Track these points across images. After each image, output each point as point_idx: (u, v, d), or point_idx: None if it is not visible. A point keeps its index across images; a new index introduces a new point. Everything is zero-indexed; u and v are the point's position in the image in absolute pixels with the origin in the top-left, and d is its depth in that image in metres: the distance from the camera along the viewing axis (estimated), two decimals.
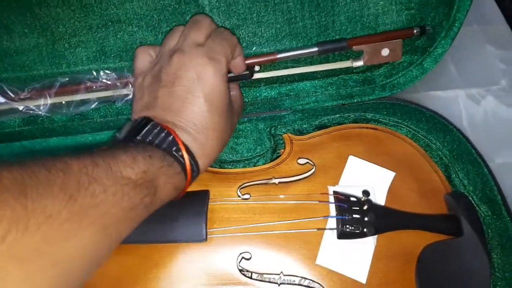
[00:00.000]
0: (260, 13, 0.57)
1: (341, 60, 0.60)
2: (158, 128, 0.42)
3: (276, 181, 0.54)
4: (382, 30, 0.58)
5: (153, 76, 0.48)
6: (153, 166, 0.39)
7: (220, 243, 0.50)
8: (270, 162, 0.57)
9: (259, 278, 0.49)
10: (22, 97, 0.59)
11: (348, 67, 0.60)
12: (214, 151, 0.46)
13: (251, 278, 0.49)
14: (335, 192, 0.52)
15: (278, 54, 0.56)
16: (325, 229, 0.50)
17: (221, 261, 0.50)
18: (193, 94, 0.45)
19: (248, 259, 0.50)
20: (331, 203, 0.51)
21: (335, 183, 0.54)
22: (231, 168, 0.58)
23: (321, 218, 0.50)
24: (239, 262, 0.49)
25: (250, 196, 0.53)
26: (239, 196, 0.53)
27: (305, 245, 0.50)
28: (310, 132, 0.60)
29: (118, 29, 0.57)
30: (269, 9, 0.57)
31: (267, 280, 0.49)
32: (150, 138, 0.42)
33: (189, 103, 0.45)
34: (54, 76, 0.60)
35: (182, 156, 0.42)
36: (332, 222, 0.50)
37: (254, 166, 0.59)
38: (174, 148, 0.42)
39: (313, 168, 0.55)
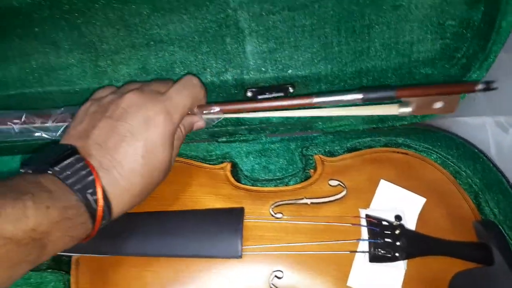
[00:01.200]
0: (298, 37, 0.59)
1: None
2: (80, 164, 0.40)
3: (308, 201, 0.55)
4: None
5: (101, 105, 0.47)
6: (48, 219, 0.35)
7: (254, 260, 0.51)
8: (302, 182, 0.59)
9: None
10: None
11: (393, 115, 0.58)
12: (133, 200, 0.44)
13: None
14: (367, 216, 0.53)
15: (315, 98, 0.50)
16: (356, 251, 0.51)
17: (254, 279, 0.51)
18: (134, 136, 0.43)
19: (280, 278, 0.51)
20: (364, 226, 0.52)
21: (367, 206, 0.55)
22: (263, 187, 0.59)
23: (354, 240, 0.52)
24: (271, 280, 0.51)
25: (283, 215, 0.54)
26: (272, 215, 0.54)
27: (337, 266, 0.51)
28: (341, 154, 0.61)
29: (159, 48, 0.60)
30: (306, 34, 0.58)
31: None
32: (68, 173, 0.39)
33: (125, 143, 0.42)
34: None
35: (95, 201, 0.39)
36: (364, 245, 0.51)
37: (286, 185, 0.60)
38: (89, 191, 0.39)
39: (344, 190, 0.56)
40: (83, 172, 0.40)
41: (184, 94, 0.48)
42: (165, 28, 0.58)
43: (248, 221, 0.54)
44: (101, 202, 0.40)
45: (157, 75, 0.61)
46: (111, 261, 0.52)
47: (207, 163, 0.62)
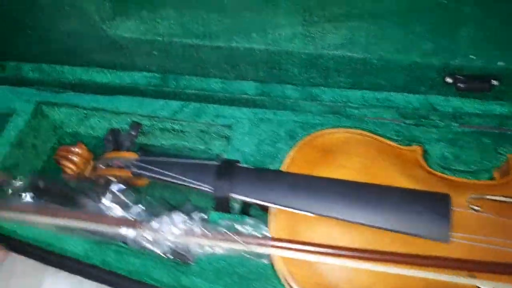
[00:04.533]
0: None
1: None
2: None
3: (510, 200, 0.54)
4: None
5: None
6: None
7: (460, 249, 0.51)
8: (498, 179, 0.58)
9: None
10: None
11: None
12: None
13: None
14: None
15: None
16: None
17: None
18: None
19: None
20: None
21: None
22: (455, 177, 0.59)
23: None
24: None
25: (481, 209, 0.54)
26: (470, 207, 0.54)
27: None
28: None
29: (372, 21, 0.59)
30: None
31: None
32: None
33: None
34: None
35: None
36: None
37: (477, 179, 0.59)
38: None
39: None
40: None
41: None
42: (381, 1, 0.57)
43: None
44: None
45: (362, 49, 0.62)
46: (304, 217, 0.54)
47: (394, 142, 0.62)
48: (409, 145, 0.62)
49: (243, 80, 0.69)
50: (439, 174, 0.58)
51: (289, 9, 0.60)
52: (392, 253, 0.52)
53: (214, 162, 0.60)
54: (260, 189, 0.57)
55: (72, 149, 0.67)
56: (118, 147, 0.68)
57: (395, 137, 0.63)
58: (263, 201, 0.56)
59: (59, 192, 0.64)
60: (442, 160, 0.61)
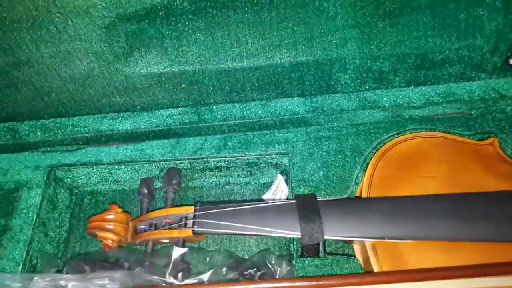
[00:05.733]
0: None
1: None
2: None
3: None
4: None
5: None
6: None
7: None
8: None
9: None
10: None
11: None
12: None
13: None
14: None
15: None
16: None
17: None
18: None
19: None
20: None
21: None
22: None
23: None
24: None
25: None
26: None
27: None
28: None
29: (430, 13, 0.54)
30: None
31: None
32: None
33: None
34: None
35: None
36: None
37: None
38: None
39: None
40: None
41: None
42: None
43: None
44: None
45: (421, 43, 0.56)
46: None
47: (466, 138, 0.58)
48: (482, 138, 0.58)
49: (288, 97, 0.60)
50: None
51: (337, 12, 0.53)
52: None
53: (291, 201, 0.52)
54: (353, 225, 0.50)
55: (106, 216, 0.56)
56: (153, 199, 0.59)
57: (467, 132, 0.58)
58: (359, 237, 0.50)
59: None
60: None
